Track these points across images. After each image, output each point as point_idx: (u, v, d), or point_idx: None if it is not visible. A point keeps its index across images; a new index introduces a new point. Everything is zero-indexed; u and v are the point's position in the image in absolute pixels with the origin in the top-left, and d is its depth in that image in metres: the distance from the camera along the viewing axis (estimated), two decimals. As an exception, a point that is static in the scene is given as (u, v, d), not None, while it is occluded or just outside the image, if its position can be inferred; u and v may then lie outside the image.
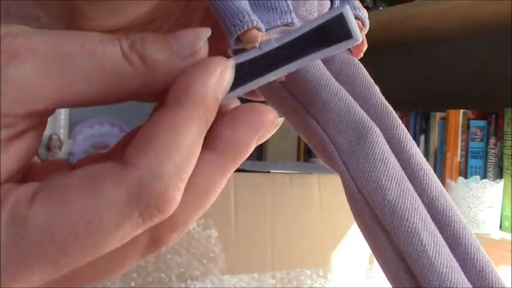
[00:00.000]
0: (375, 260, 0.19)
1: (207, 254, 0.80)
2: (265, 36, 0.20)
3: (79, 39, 0.18)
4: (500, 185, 1.20)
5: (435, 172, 1.20)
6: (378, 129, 0.20)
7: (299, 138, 1.68)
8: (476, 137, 1.29)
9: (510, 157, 1.21)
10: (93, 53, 0.18)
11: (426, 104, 1.46)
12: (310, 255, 0.87)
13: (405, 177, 0.20)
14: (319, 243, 0.89)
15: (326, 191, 0.84)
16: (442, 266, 0.18)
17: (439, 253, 0.18)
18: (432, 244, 0.18)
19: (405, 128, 0.21)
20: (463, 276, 0.18)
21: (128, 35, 0.19)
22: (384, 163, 0.20)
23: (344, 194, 0.22)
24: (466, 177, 1.24)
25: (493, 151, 1.26)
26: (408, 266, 0.18)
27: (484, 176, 1.26)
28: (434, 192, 0.20)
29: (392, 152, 0.20)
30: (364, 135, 0.20)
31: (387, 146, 0.20)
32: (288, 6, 0.22)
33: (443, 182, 1.31)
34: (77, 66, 0.18)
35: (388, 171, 0.19)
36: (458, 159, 1.30)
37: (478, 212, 1.20)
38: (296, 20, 0.22)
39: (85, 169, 0.18)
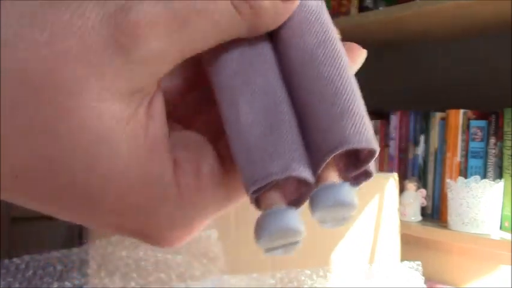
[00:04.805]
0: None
1: (207, 254, 0.80)
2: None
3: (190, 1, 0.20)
4: (500, 185, 1.20)
5: (435, 172, 1.19)
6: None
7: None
8: (476, 137, 1.29)
9: (510, 157, 1.21)
10: (208, 12, 0.20)
11: (426, 104, 1.46)
12: (310, 255, 0.87)
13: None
14: (319, 243, 0.89)
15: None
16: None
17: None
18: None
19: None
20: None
21: None
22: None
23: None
24: (466, 177, 1.24)
25: (493, 151, 1.26)
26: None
27: (484, 176, 1.26)
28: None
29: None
30: None
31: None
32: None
33: (443, 182, 1.31)
34: (194, 29, 0.20)
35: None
36: (458, 159, 1.30)
37: (478, 212, 1.20)
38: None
39: None
